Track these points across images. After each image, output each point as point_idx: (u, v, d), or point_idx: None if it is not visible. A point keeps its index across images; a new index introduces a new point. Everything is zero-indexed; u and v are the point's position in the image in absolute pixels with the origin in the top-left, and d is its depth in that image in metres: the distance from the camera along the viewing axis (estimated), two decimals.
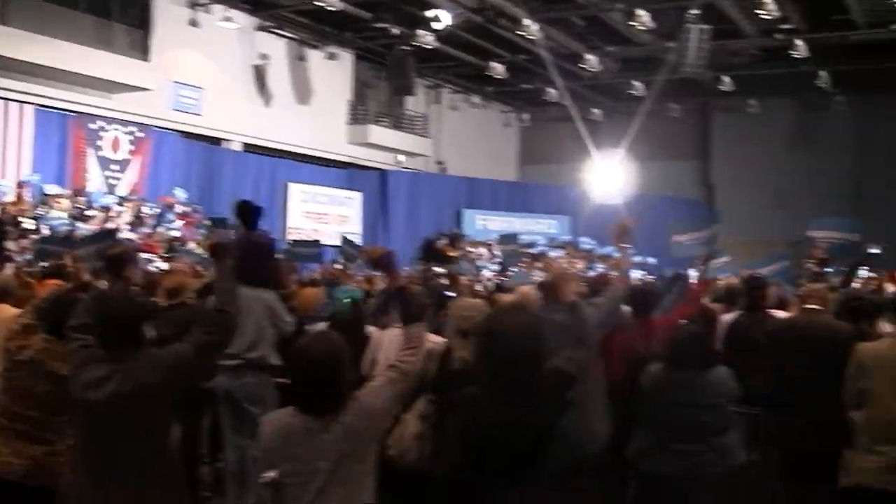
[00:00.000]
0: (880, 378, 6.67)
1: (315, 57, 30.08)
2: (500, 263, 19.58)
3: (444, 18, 24.79)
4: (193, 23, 25.30)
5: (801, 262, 12.93)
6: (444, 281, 13.53)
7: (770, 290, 10.13)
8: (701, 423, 6.58)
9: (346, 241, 18.02)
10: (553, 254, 31.69)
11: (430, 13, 24.96)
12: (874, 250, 11.06)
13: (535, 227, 35.69)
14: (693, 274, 10.76)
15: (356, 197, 31.59)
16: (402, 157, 34.13)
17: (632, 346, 7.98)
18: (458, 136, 36.84)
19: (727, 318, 9.23)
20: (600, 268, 28.41)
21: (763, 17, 25.01)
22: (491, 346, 4.77)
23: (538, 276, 16.47)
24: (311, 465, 4.32)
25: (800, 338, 7.67)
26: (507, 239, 17.82)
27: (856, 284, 11.90)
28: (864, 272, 13.60)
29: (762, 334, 8.31)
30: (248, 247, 8.45)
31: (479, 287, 14.68)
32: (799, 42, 28.03)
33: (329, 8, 24.14)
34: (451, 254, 26.80)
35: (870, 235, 10.58)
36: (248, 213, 8.96)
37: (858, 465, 6.87)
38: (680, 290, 8.54)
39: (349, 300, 8.94)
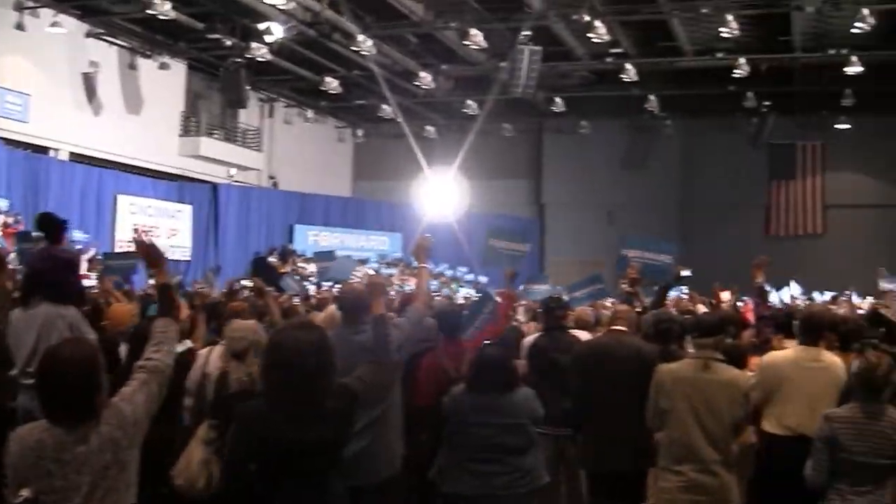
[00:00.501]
0: (679, 399, 6.79)
1: (146, 66, 29.38)
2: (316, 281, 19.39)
3: (276, 31, 24.57)
4: (20, 27, 24.39)
5: (618, 281, 13.12)
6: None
7: (580, 310, 10.21)
8: (502, 444, 6.57)
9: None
10: (385, 271, 31.70)
11: (262, 25, 24.71)
12: (686, 272, 11.31)
13: (368, 244, 35.66)
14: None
15: (186, 210, 30.96)
16: (234, 171, 33.65)
17: (440, 367, 7.97)
18: (291, 150, 36.47)
19: (529, 338, 9.26)
20: (432, 285, 28.51)
21: (594, 40, 25.43)
22: (275, 360, 4.75)
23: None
24: (70, 479, 4.11)
25: (605, 358, 7.74)
26: (322, 256, 17.60)
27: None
28: (675, 293, 13.92)
29: (564, 354, 8.37)
30: (50, 262, 8.18)
31: (297, 303, 14.41)
32: (629, 66, 28.63)
33: (161, 17, 23.58)
34: (283, 270, 26.57)
35: (684, 257, 10.74)
36: (52, 226, 8.63)
37: (660, 484, 6.98)
38: (491, 309, 8.52)
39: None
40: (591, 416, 7.68)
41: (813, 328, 7.46)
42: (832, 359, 7.32)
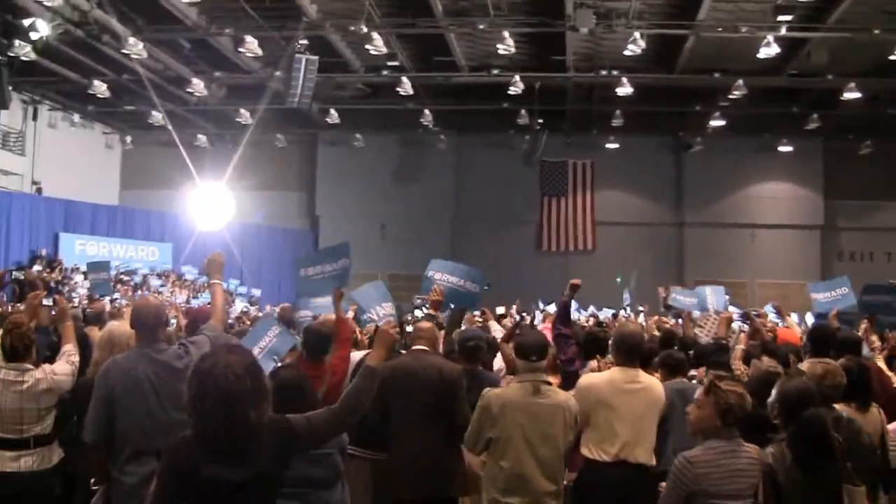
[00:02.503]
0: (511, 426, 6.40)
1: None
2: (88, 292, 18.36)
3: (41, 29, 23.36)
4: None
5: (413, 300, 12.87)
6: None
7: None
8: (308, 477, 5.85)
9: None
10: (154, 282, 30.76)
11: (26, 22, 23.42)
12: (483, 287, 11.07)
13: (136, 254, 34.44)
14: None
15: None
16: None
17: None
18: (56, 155, 34.70)
19: (356, 354, 8.81)
20: (206, 298, 27.83)
21: (371, 52, 25.25)
22: (203, 388, 4.02)
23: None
24: None
25: (407, 379, 7.34)
26: (97, 267, 16.60)
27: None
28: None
29: None
30: None
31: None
32: (405, 80, 28.56)
33: None
34: (50, 278, 25.53)
35: (476, 277, 10.43)
36: None
37: None
38: (278, 333, 8.20)
39: None
40: (395, 439, 7.27)
41: (629, 349, 7.19)
42: (650, 379, 7.13)
